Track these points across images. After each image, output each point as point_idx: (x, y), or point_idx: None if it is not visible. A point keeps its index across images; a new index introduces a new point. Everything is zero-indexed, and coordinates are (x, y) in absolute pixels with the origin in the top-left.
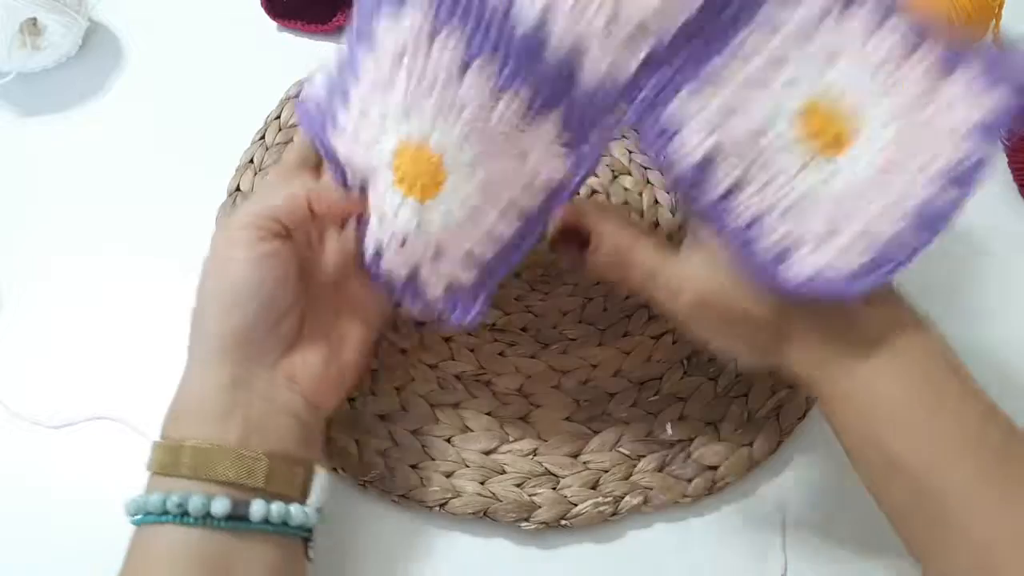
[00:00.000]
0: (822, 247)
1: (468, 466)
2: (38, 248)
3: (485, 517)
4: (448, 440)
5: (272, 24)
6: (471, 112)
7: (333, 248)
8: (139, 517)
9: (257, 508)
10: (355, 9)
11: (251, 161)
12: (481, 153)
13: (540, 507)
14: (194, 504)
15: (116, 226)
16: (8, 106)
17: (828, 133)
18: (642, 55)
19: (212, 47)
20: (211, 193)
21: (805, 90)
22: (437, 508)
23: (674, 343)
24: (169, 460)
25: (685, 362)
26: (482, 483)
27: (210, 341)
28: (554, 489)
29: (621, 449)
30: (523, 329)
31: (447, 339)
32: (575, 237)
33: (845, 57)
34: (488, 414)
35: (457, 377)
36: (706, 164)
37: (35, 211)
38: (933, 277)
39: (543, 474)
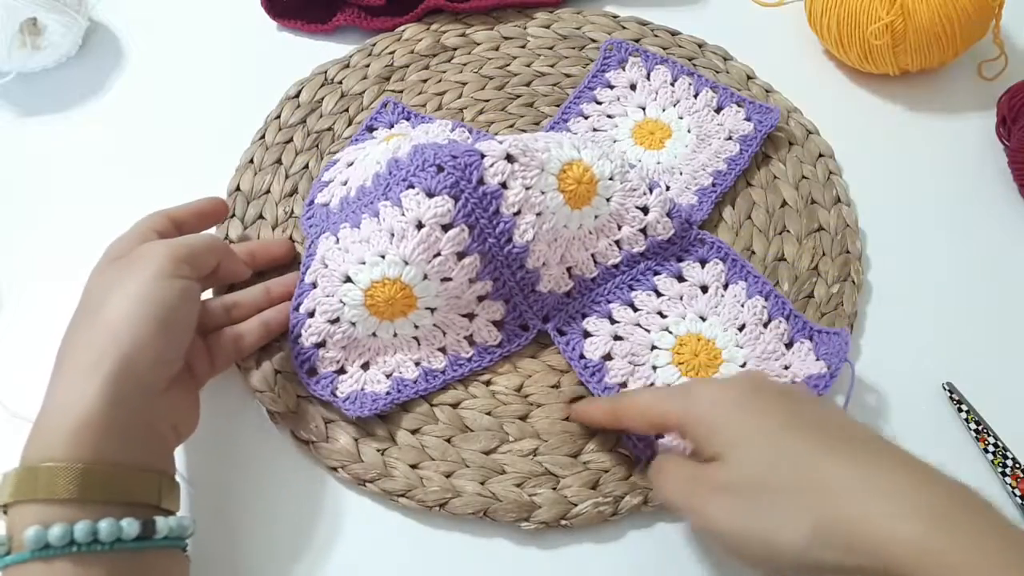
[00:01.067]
0: None
1: (468, 466)
2: (38, 248)
3: (485, 517)
4: (448, 440)
5: (272, 24)
6: (454, 284)
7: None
8: (28, 553)
9: (162, 524)
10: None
11: (251, 161)
12: (444, 304)
13: (540, 507)
14: (106, 529)
15: (116, 226)
16: (8, 106)
17: (691, 364)
18: (569, 287)
19: (212, 47)
20: (211, 193)
21: (679, 333)
22: (437, 508)
23: None
24: (76, 482)
25: None
26: (482, 483)
27: (122, 361)
28: (554, 489)
29: (621, 449)
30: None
31: None
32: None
33: (712, 317)
34: (488, 414)
35: None
36: (602, 362)
37: (35, 211)
38: (934, 277)
39: (543, 474)
